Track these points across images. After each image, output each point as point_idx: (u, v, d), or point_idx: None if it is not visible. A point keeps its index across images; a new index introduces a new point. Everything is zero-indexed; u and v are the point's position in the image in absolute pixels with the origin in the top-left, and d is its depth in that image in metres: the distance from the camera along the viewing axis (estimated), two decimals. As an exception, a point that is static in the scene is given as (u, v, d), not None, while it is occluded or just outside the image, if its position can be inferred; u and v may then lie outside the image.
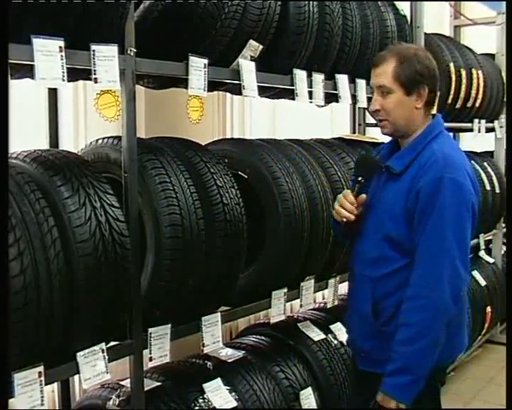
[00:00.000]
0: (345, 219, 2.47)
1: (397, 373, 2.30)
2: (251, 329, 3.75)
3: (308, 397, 3.24)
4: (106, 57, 2.25)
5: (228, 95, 4.15)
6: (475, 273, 5.51)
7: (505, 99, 5.91)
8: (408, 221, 2.35)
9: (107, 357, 2.29)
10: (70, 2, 2.07)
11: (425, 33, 4.61)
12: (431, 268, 2.29)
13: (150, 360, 2.54)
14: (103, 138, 2.68)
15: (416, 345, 2.27)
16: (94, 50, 2.21)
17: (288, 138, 3.57)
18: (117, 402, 2.72)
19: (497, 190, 5.76)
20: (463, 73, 5.11)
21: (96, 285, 2.15)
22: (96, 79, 2.23)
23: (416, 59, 2.40)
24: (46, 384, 2.08)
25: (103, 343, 2.29)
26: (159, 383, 2.87)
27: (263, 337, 3.47)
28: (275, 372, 3.18)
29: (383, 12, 3.89)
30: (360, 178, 2.47)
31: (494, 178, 5.78)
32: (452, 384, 3.18)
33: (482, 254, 5.92)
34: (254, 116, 4.57)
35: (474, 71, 5.30)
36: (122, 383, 2.84)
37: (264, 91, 3.32)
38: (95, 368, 2.26)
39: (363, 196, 2.46)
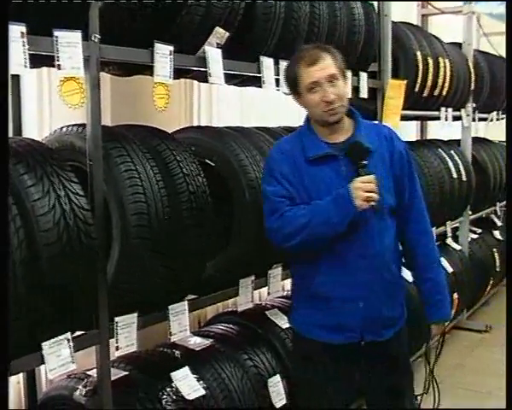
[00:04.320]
0: (373, 203, 2.51)
1: (446, 298, 2.81)
2: (219, 317, 3.75)
3: (276, 385, 3.25)
4: (69, 43, 2.23)
5: (195, 82, 4.13)
6: (442, 260, 5.55)
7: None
8: (396, 186, 2.66)
9: (72, 347, 2.28)
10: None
11: (392, 22, 4.63)
12: (425, 211, 2.79)
13: (117, 349, 2.53)
14: (68, 126, 2.65)
15: (443, 271, 2.86)
16: (57, 36, 2.19)
17: (256, 126, 3.56)
18: (83, 392, 2.71)
19: (464, 179, 5.81)
20: (430, 61, 5.13)
21: (61, 275, 2.13)
22: (59, 65, 2.21)
23: (335, 50, 2.66)
24: (11, 375, 2.06)
25: (69, 333, 2.27)
26: (126, 373, 2.86)
27: (231, 325, 3.47)
28: (243, 360, 3.19)
29: (350, 0, 3.89)
30: (364, 162, 2.55)
31: (461, 166, 5.83)
32: (420, 369, 3.23)
33: (449, 241, 5.98)
34: (222, 104, 4.55)
35: (441, 60, 5.33)
36: (89, 373, 2.83)
37: (231, 79, 3.31)
38: (60, 358, 2.24)
39: (373, 175, 2.54)
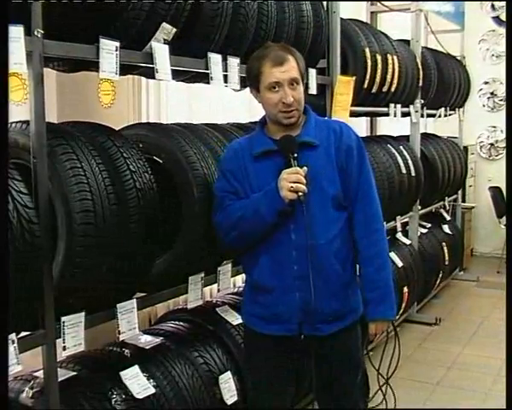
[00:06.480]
0: (301, 193, 2.53)
1: (385, 297, 2.72)
2: (169, 315, 3.73)
3: (227, 381, 3.24)
4: (11, 38, 2.17)
5: (143, 79, 4.10)
6: (392, 255, 5.63)
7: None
8: (342, 178, 2.67)
9: (18, 348, 2.23)
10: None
11: (341, 19, 4.65)
12: (377, 206, 2.74)
13: (64, 349, 2.49)
14: (11, 123, 2.58)
15: (387, 269, 2.74)
16: (-2, 31, 2.13)
17: (204, 123, 3.54)
18: (30, 394, 2.65)
19: (413, 174, 5.89)
20: (379, 58, 5.19)
21: (5, 274, 2.08)
22: (0, 60, 2.15)
23: (299, 55, 2.70)
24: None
25: (13, 334, 2.23)
26: (74, 373, 2.82)
27: (181, 323, 3.45)
28: (193, 358, 3.17)
29: (299, -3, 3.90)
30: (295, 155, 2.59)
31: (410, 161, 5.91)
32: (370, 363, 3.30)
33: (399, 235, 6.06)
34: (170, 101, 4.52)
35: (389, 56, 5.40)
36: (36, 374, 2.78)
37: (178, 75, 3.28)
38: (5, 360, 2.19)
39: (305, 167, 2.57)
